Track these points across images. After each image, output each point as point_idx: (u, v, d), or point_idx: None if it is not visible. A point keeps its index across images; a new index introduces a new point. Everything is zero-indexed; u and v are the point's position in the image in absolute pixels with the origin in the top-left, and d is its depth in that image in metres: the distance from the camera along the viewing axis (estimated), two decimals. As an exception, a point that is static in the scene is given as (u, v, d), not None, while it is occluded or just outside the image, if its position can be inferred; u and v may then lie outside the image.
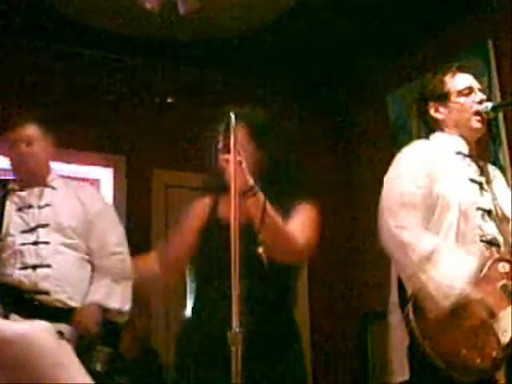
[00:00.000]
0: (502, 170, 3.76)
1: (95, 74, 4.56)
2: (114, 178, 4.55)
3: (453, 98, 2.46)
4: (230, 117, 1.98)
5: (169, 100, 4.61)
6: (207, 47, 4.50)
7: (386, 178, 2.39)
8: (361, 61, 4.82)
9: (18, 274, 2.81)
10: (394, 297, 2.34)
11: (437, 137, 2.49)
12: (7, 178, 3.16)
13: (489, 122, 2.49)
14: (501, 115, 3.78)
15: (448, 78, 2.50)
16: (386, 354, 2.65)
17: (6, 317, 2.70)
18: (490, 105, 2.45)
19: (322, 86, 5.15)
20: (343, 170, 5.17)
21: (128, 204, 4.44)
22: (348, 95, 5.24)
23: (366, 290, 4.86)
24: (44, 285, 2.81)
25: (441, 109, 2.48)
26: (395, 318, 2.31)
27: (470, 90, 2.48)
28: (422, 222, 2.25)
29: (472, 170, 2.42)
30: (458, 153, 2.42)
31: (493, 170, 2.54)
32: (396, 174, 2.37)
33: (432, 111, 2.50)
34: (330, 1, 4.06)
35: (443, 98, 2.47)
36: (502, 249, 2.32)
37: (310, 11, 4.15)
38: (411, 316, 2.15)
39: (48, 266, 2.83)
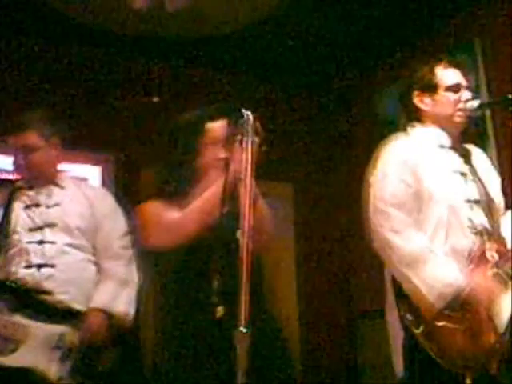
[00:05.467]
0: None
1: (83, 72, 4.54)
2: (102, 176, 4.54)
3: (440, 91, 2.45)
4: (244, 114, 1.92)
5: (155, 99, 4.61)
6: (195, 45, 4.50)
7: (371, 179, 2.36)
8: (352, 60, 4.83)
9: (22, 273, 2.78)
10: (389, 295, 2.35)
11: (415, 131, 2.48)
12: (13, 177, 3.12)
13: (476, 120, 2.48)
14: (488, 113, 3.79)
15: (438, 70, 2.48)
16: (377, 353, 2.66)
17: (11, 315, 2.69)
18: (475, 103, 2.45)
19: (316, 86, 5.16)
20: (339, 172, 5.19)
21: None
22: (341, 94, 5.26)
23: (357, 289, 4.88)
24: (47, 285, 2.78)
25: (426, 100, 2.47)
26: (392, 316, 2.33)
27: (458, 87, 2.47)
28: (413, 220, 2.24)
29: (456, 161, 2.41)
30: (441, 146, 2.42)
31: (476, 154, 2.52)
32: (383, 173, 2.34)
33: (416, 101, 2.48)
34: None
35: (431, 88, 2.45)
36: (492, 237, 2.32)
37: (303, 10, 4.16)
38: (407, 313, 2.17)
39: (52, 265, 2.80)
